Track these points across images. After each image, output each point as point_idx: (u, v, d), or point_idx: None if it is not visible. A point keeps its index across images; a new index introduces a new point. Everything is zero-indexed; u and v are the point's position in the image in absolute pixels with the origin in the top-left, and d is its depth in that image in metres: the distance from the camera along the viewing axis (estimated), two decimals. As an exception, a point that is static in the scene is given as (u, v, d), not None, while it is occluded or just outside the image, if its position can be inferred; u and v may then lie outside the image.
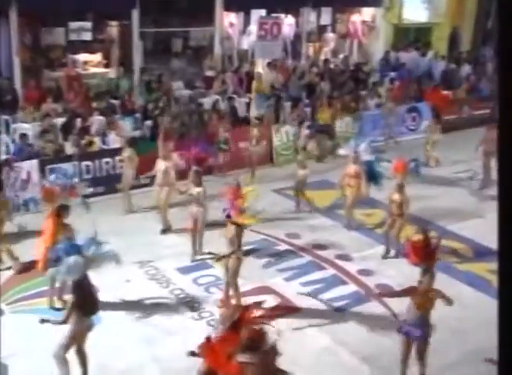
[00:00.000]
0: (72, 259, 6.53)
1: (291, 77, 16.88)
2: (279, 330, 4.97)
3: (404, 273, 9.48)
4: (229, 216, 8.10)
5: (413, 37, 21.08)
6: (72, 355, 6.70)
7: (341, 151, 11.41)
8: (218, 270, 9.35)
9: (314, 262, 9.91)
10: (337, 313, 8.45)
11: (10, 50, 13.85)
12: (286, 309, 8.49)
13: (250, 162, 13.43)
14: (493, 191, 12.42)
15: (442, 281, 9.25)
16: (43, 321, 6.78)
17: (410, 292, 6.70)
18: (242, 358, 4.55)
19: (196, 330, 7.59)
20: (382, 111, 16.00)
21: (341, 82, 17.08)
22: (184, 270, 9.46)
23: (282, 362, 7.08)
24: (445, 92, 17.43)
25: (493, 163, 12.73)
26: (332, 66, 18.23)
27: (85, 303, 6.58)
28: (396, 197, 9.69)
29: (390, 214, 9.92)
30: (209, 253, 9.71)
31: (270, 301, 8.62)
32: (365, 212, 11.59)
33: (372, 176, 10.87)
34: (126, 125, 13.00)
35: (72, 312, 6.53)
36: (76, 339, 6.67)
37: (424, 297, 6.56)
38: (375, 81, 17.50)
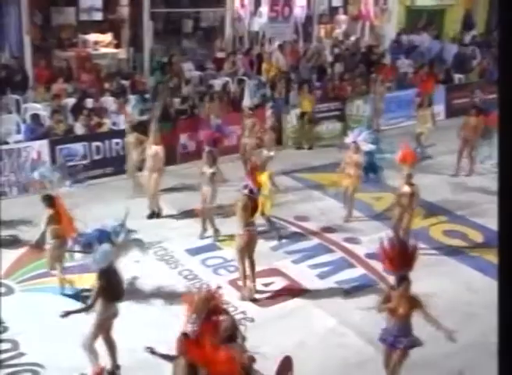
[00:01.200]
0: (104, 247, 6.43)
1: (301, 60, 16.77)
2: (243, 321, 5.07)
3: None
4: (251, 192, 8.15)
5: (425, 19, 20.85)
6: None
7: (346, 140, 10.90)
8: (226, 252, 9.40)
9: (322, 244, 9.92)
10: (344, 295, 8.48)
11: (20, 29, 13.83)
12: (294, 291, 8.53)
13: (243, 153, 12.24)
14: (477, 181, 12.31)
15: (451, 266, 9.44)
16: (66, 314, 6.62)
17: (385, 301, 6.34)
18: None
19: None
20: (372, 95, 15.58)
21: (352, 64, 16.96)
22: (193, 251, 9.50)
23: (289, 343, 7.15)
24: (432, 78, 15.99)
25: (473, 152, 12.62)
26: (343, 47, 18.09)
27: (111, 289, 6.48)
28: (406, 189, 9.25)
29: (399, 206, 9.43)
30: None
31: (278, 282, 8.68)
32: (374, 195, 11.57)
33: (371, 168, 10.47)
34: (135, 107, 12.82)
35: (97, 298, 6.42)
36: (103, 326, 6.57)
37: (401, 305, 6.21)
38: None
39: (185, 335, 5.24)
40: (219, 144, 10.66)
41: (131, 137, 11.28)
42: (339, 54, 17.57)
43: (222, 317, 5.54)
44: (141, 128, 11.38)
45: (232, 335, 5.64)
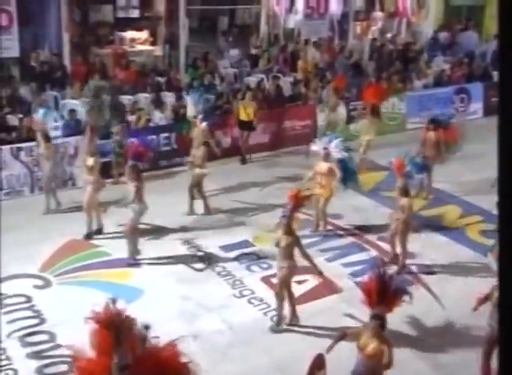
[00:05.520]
0: None
1: (338, 57, 16.67)
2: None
3: (447, 256, 9.43)
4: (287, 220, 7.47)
5: (464, 15, 20.50)
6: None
7: (313, 147, 10.22)
8: (259, 249, 9.42)
9: (356, 243, 9.87)
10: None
11: (60, 27, 14.06)
12: (327, 289, 8.50)
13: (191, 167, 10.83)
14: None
15: (467, 254, 9.28)
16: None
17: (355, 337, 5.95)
18: None
19: (236, 307, 7.67)
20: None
21: (388, 62, 16.81)
22: (226, 248, 9.55)
23: (321, 341, 7.12)
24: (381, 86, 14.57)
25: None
26: (379, 44, 17.94)
27: None
28: (404, 202, 8.74)
29: (394, 219, 8.92)
30: None
31: (311, 281, 8.67)
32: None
33: (345, 176, 9.90)
34: (46, 115, 11.09)
35: None
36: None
37: (369, 345, 5.76)
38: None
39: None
40: (144, 157, 9.67)
41: (42, 148, 10.46)
42: (375, 51, 17.42)
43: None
44: (49, 137, 10.58)
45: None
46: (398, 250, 9.07)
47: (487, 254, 7.45)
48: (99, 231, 9.78)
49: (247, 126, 12.85)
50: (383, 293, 5.91)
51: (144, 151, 9.66)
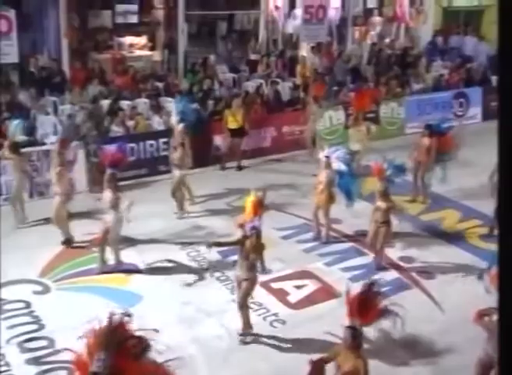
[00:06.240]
0: None
1: (336, 62, 16.71)
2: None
3: (446, 260, 9.42)
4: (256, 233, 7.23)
5: (463, 20, 20.55)
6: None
7: (320, 154, 10.00)
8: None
9: (355, 247, 9.86)
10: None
11: (59, 32, 14.09)
12: (326, 294, 8.49)
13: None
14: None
15: (467, 258, 9.26)
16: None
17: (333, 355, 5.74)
18: None
19: (236, 312, 7.65)
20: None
21: (387, 66, 16.85)
22: (225, 253, 9.53)
23: (320, 346, 7.10)
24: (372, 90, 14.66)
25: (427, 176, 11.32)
26: (377, 49, 17.97)
27: None
28: (380, 204, 8.79)
29: (373, 222, 8.93)
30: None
31: (310, 285, 8.66)
32: (407, 199, 11.45)
33: (344, 189, 9.75)
34: (16, 126, 11.05)
35: None
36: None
37: (346, 362, 5.57)
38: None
39: None
40: (121, 164, 9.45)
41: (12, 159, 10.15)
42: (374, 56, 17.45)
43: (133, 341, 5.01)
44: (19, 148, 10.30)
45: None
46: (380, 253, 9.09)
47: (482, 276, 7.09)
48: (68, 242, 9.50)
49: (238, 132, 12.78)
50: (367, 306, 5.80)
51: (120, 158, 9.44)
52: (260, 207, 7.55)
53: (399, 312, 6.26)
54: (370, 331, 6.64)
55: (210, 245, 7.76)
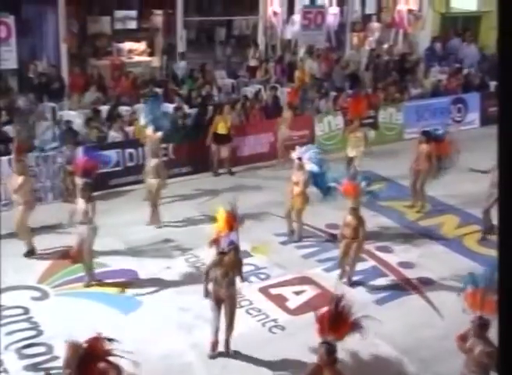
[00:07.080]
0: None
1: (335, 67, 16.75)
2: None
3: (445, 265, 9.41)
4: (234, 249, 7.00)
5: (461, 26, 20.62)
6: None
7: (292, 155, 9.89)
8: (257, 259, 9.40)
9: (354, 253, 9.85)
10: (377, 305, 8.40)
11: (58, 38, 14.12)
12: (325, 299, 8.46)
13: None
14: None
15: (465, 264, 9.20)
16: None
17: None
18: None
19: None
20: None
21: (385, 72, 16.89)
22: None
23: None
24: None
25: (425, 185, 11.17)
26: (375, 55, 18.02)
27: None
28: (350, 220, 8.55)
29: (343, 238, 8.71)
30: None
31: (309, 291, 8.65)
32: (407, 203, 11.47)
33: (320, 187, 9.71)
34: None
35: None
36: None
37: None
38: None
39: None
40: (93, 172, 9.23)
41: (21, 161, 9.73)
42: (372, 62, 17.51)
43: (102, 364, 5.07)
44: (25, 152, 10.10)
45: None
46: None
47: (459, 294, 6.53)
48: (31, 252, 9.25)
49: (225, 138, 12.69)
50: (338, 321, 5.65)
51: (92, 166, 9.23)
52: (234, 221, 7.16)
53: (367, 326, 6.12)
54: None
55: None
